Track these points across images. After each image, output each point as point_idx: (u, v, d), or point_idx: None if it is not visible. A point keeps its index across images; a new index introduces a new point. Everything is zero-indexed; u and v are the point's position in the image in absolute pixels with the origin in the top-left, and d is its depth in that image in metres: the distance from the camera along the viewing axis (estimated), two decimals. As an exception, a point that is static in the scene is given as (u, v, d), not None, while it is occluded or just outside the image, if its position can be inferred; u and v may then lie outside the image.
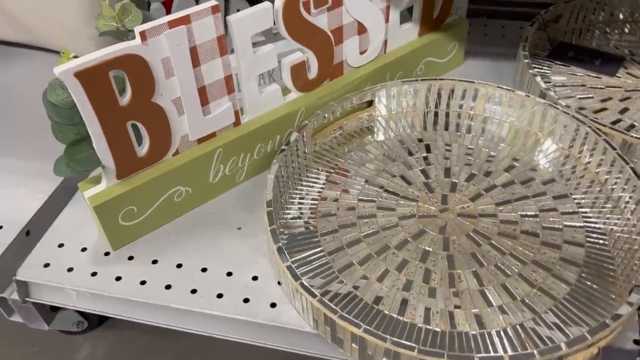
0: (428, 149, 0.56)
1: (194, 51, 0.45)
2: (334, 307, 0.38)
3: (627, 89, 0.62)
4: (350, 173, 0.54)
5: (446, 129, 0.58)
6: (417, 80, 0.58)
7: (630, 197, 0.47)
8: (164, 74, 0.44)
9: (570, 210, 0.49)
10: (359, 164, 0.55)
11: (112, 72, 0.41)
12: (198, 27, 0.44)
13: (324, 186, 0.53)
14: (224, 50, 0.47)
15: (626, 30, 0.72)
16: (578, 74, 0.65)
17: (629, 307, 0.37)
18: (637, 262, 0.43)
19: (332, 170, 0.54)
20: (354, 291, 0.44)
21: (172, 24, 0.42)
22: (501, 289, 0.43)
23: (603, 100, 0.61)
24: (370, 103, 0.59)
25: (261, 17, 0.47)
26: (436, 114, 0.59)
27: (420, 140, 0.57)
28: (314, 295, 0.39)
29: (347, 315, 0.38)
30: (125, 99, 0.43)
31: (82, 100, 0.41)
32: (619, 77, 0.64)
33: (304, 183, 0.53)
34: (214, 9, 0.44)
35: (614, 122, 0.57)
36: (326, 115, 0.56)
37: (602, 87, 0.63)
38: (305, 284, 0.40)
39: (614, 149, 0.49)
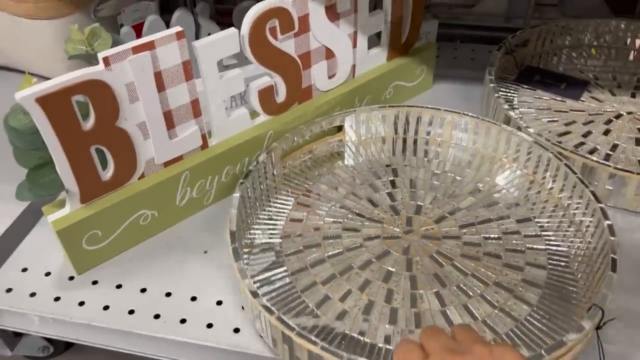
0: (395, 173, 0.57)
1: (158, 76, 0.45)
2: (292, 324, 0.38)
3: (590, 112, 0.64)
4: (318, 195, 0.55)
5: (414, 154, 0.59)
6: (385, 106, 0.59)
7: (591, 221, 0.47)
8: (129, 98, 0.44)
9: (533, 234, 0.50)
10: (327, 187, 0.55)
11: (75, 97, 0.41)
12: (163, 53, 0.44)
13: (291, 208, 0.53)
14: (190, 75, 0.47)
15: (593, 55, 0.73)
16: (544, 97, 0.66)
17: (585, 326, 0.38)
18: (597, 283, 0.43)
19: (300, 193, 0.55)
20: (315, 310, 0.44)
21: (137, 49, 0.43)
22: (462, 309, 0.44)
23: (567, 124, 0.62)
24: (340, 128, 0.59)
25: (227, 42, 0.48)
26: (404, 140, 0.59)
27: (388, 166, 0.58)
28: (271, 313, 0.39)
29: (305, 334, 0.38)
30: (88, 124, 0.43)
31: (44, 126, 0.41)
32: (583, 100, 0.65)
33: (272, 205, 0.54)
34: (179, 35, 0.44)
35: (577, 146, 0.59)
36: (295, 138, 0.56)
37: (566, 110, 0.64)
38: (264, 302, 0.40)
39: (575, 173, 0.50)
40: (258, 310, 0.40)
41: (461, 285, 0.46)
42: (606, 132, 0.60)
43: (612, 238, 0.44)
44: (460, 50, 0.78)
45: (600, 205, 0.46)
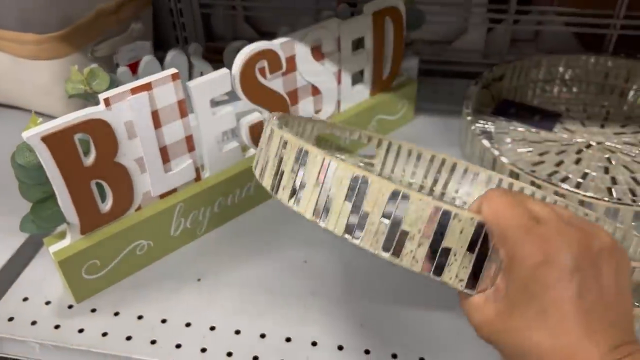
0: None
1: (155, 114, 0.48)
2: None
3: (562, 142, 0.67)
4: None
5: None
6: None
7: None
8: (127, 135, 0.47)
9: None
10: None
11: (78, 135, 0.44)
12: (159, 93, 0.48)
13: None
14: (184, 113, 0.50)
15: (565, 89, 0.78)
16: (519, 129, 0.70)
17: None
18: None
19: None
20: None
21: (135, 90, 0.46)
22: None
23: (541, 154, 0.66)
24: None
25: (219, 82, 0.51)
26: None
27: None
28: None
29: None
30: (89, 160, 0.46)
31: (48, 162, 0.43)
32: (555, 131, 0.69)
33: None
34: (174, 77, 0.48)
35: (550, 174, 0.62)
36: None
37: (540, 141, 0.68)
38: None
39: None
40: None
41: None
42: (577, 161, 0.64)
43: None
44: (440, 85, 0.82)
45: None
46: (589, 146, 0.67)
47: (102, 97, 0.45)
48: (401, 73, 0.72)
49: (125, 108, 0.46)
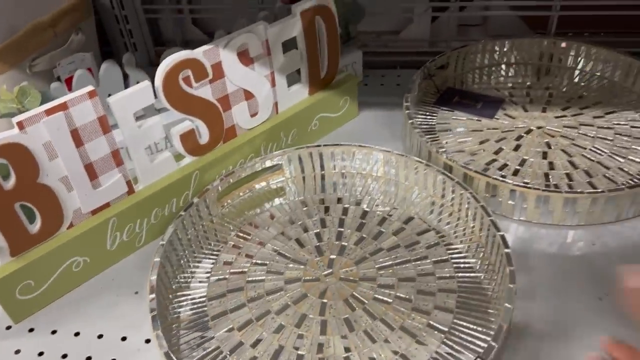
0: (327, 210, 0.60)
1: (75, 133, 0.48)
2: None
3: (503, 130, 0.68)
4: (250, 236, 0.57)
5: (347, 191, 0.62)
6: (304, 147, 0.61)
7: (487, 237, 0.51)
8: (47, 156, 0.47)
9: (448, 275, 0.51)
10: (261, 227, 0.58)
11: (-6, 160, 0.44)
12: (77, 111, 0.48)
13: (221, 250, 0.56)
14: (107, 129, 0.50)
15: (510, 72, 0.78)
16: (461, 118, 0.70)
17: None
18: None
19: (233, 234, 0.58)
20: (228, 357, 0.46)
21: (50, 111, 0.46)
22: (365, 356, 0.45)
23: (481, 142, 0.66)
24: (276, 166, 0.62)
25: (141, 95, 0.51)
26: (325, 176, 0.62)
27: (322, 203, 0.61)
28: None
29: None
30: (9, 183, 0.46)
31: (-36, 189, 0.44)
32: (497, 118, 0.70)
33: (204, 248, 0.56)
34: (91, 94, 0.48)
35: (489, 163, 0.63)
36: (231, 180, 0.59)
37: (481, 129, 0.68)
38: (171, 355, 0.42)
39: (466, 189, 0.53)
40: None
41: (368, 330, 0.47)
42: (516, 148, 0.64)
43: (507, 250, 0.47)
44: (387, 77, 0.82)
45: (490, 218, 0.50)
46: (529, 132, 0.67)
47: (14, 120, 0.45)
48: (343, 69, 0.71)
49: (41, 129, 0.46)
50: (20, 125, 0.45)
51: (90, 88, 0.48)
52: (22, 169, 0.46)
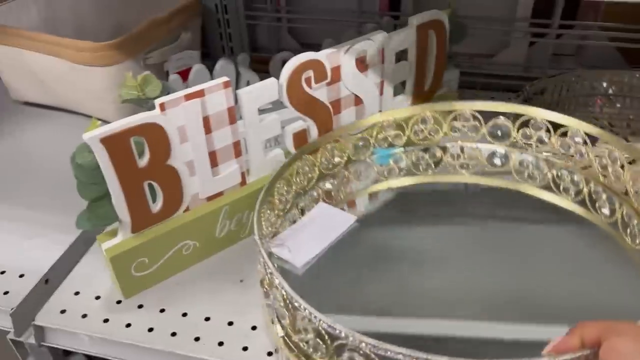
0: None
1: (206, 120, 0.50)
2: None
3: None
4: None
5: None
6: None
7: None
8: (179, 139, 0.50)
9: None
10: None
11: (133, 137, 0.47)
12: (211, 100, 0.50)
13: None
14: (233, 119, 0.52)
15: (608, 103, 0.77)
16: (559, 143, 0.70)
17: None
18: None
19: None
20: None
21: (188, 97, 0.48)
22: None
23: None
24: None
25: (267, 91, 0.53)
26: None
27: None
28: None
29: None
30: (143, 161, 0.48)
31: (105, 163, 0.46)
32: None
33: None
34: (225, 85, 0.50)
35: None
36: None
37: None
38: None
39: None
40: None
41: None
42: (620, 177, 0.63)
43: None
44: (481, 98, 0.82)
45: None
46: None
47: (157, 102, 0.47)
48: (442, 85, 0.72)
49: (178, 113, 0.48)
50: (162, 107, 0.47)
51: (225, 79, 0.50)
52: (156, 149, 0.48)
